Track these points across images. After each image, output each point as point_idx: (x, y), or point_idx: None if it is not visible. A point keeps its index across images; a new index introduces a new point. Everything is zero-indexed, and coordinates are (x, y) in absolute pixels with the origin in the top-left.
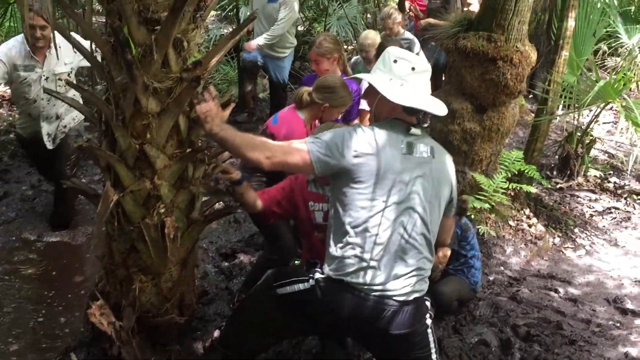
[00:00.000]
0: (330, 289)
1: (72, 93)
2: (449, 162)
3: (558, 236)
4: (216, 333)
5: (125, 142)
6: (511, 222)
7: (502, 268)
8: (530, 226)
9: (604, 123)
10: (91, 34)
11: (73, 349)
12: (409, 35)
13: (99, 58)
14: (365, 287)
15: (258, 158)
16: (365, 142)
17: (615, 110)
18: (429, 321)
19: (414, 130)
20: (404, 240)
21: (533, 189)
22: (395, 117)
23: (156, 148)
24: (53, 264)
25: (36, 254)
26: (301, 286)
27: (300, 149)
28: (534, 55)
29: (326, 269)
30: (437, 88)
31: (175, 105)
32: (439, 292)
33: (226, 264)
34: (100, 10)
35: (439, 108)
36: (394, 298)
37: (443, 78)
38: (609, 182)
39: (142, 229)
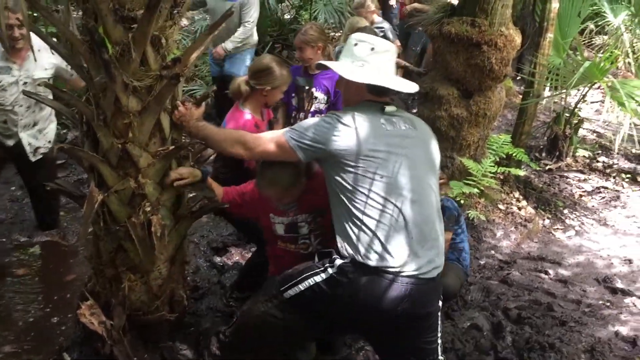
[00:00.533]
0: (358, 273)
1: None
2: (429, 129)
3: (548, 218)
4: (214, 345)
5: (108, 141)
6: (501, 206)
7: (492, 252)
8: (519, 209)
9: (592, 102)
10: (68, 35)
11: (66, 349)
12: (384, 24)
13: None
14: (391, 269)
15: (238, 151)
16: (344, 125)
17: (603, 89)
18: (440, 303)
19: (388, 108)
20: (415, 213)
21: (522, 172)
22: (367, 100)
23: (139, 147)
24: (44, 264)
25: (27, 254)
26: (318, 278)
27: (279, 139)
28: (518, 39)
29: (347, 251)
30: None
31: (156, 103)
32: (445, 286)
33: (218, 258)
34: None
35: (403, 85)
36: (420, 276)
37: None
38: (598, 161)
39: (129, 228)
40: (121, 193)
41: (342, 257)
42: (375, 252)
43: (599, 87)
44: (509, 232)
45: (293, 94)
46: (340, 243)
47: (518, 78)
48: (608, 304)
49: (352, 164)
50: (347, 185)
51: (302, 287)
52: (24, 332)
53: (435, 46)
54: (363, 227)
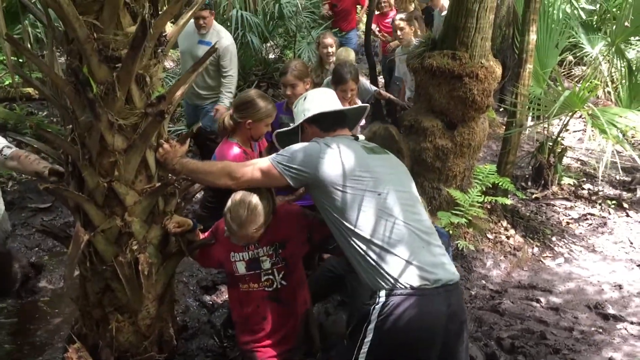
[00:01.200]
0: (401, 305)
1: None
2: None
3: (536, 246)
4: None
5: (93, 180)
6: (489, 235)
7: (483, 282)
8: (508, 238)
9: (574, 131)
10: (53, 76)
11: None
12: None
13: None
14: (426, 283)
15: (225, 183)
16: (331, 149)
17: (585, 118)
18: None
19: (360, 137)
20: (419, 224)
21: (508, 201)
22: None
23: (125, 185)
24: (29, 308)
25: (12, 299)
26: (369, 335)
27: (266, 166)
28: (499, 70)
29: (379, 284)
30: None
31: (141, 140)
32: None
33: (207, 297)
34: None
35: (337, 106)
36: (450, 283)
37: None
38: (583, 189)
39: (116, 268)
40: (108, 232)
41: (374, 299)
42: (404, 271)
43: (580, 116)
44: (499, 261)
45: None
46: (367, 279)
47: (501, 109)
48: (600, 330)
49: (341, 187)
50: (346, 210)
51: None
52: None
53: (417, 79)
54: (378, 249)
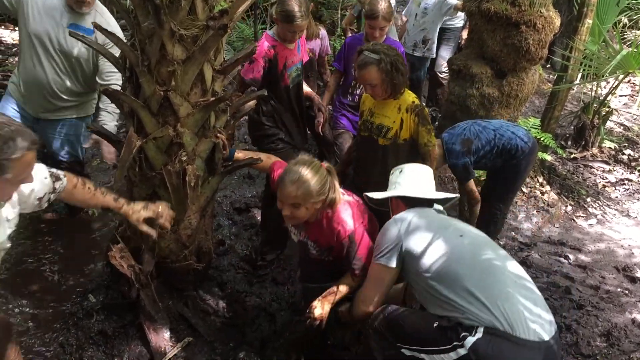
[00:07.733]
0: (496, 348)
1: None
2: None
3: (570, 204)
4: None
5: (150, 88)
6: (524, 189)
7: (513, 233)
8: (543, 193)
9: (620, 96)
10: None
11: (91, 291)
12: None
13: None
14: (522, 332)
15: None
16: (406, 229)
17: (633, 83)
18: None
19: (436, 206)
20: (511, 277)
21: (548, 157)
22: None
23: (180, 95)
24: (70, 211)
25: (54, 202)
26: (446, 358)
27: (375, 271)
28: (557, 21)
29: (473, 319)
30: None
31: (200, 53)
32: None
33: (240, 217)
34: None
35: (428, 194)
36: (545, 339)
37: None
38: (624, 154)
39: (164, 176)
40: (159, 140)
41: (468, 329)
42: (507, 318)
43: (629, 81)
44: (531, 215)
45: (354, 64)
46: (463, 319)
47: (548, 66)
48: (626, 291)
49: (424, 271)
50: (435, 286)
51: (425, 357)
52: (50, 276)
53: (472, 23)
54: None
